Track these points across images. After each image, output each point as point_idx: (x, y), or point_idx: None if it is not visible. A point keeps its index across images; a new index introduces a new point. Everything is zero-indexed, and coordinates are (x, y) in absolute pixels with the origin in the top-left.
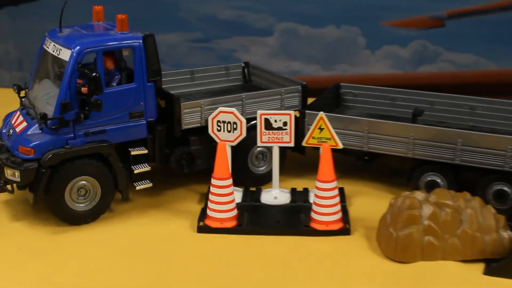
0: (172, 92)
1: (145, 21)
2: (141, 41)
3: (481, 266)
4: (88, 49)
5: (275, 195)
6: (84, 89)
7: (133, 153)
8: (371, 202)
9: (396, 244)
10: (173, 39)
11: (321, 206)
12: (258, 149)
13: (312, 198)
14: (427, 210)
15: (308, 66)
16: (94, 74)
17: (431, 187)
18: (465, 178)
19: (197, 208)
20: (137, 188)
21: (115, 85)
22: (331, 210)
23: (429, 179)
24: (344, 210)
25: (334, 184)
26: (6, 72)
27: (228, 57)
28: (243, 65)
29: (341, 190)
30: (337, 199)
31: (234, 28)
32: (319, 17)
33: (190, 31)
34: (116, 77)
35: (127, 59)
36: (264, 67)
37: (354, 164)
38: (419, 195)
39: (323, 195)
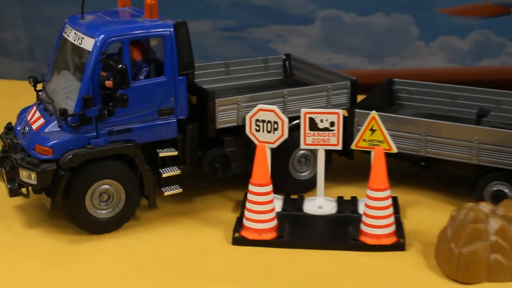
0: (205, 87)
1: (170, 6)
2: (172, 29)
3: None
4: (114, 38)
5: (320, 204)
6: (108, 83)
7: (161, 154)
8: (428, 214)
9: (458, 262)
10: (201, 27)
11: (372, 218)
12: (301, 152)
13: (361, 208)
14: (494, 224)
15: (353, 59)
16: (120, 66)
17: (498, 198)
18: None
19: (232, 217)
20: (165, 194)
21: (142, 78)
22: (384, 222)
23: (495, 189)
24: (398, 223)
25: (387, 193)
26: (16, 62)
27: (262, 48)
28: (284, 57)
29: (395, 200)
30: (390, 210)
31: (270, 16)
32: (366, 3)
33: (220, 18)
34: (144, 69)
35: (156, 50)
36: (308, 60)
37: (409, 171)
38: (485, 207)
39: (375, 205)
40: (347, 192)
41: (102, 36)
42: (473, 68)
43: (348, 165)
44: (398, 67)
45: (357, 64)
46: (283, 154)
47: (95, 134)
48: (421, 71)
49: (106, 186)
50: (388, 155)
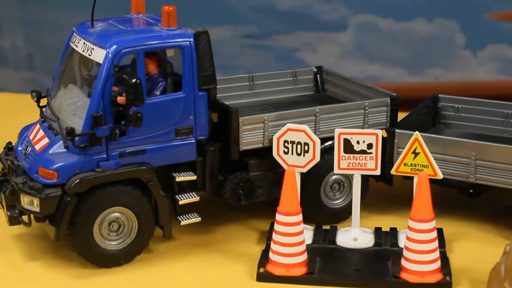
0: (226, 103)
1: (185, 11)
2: (192, 39)
3: None
4: (127, 49)
5: (355, 235)
6: (121, 99)
7: (178, 179)
8: (478, 248)
9: None
10: (220, 34)
11: (414, 252)
12: (335, 177)
13: (402, 241)
14: None
15: (390, 70)
16: (134, 80)
17: None
18: None
19: (257, 250)
20: (182, 223)
21: (158, 94)
22: (428, 257)
23: None
24: (444, 258)
25: (432, 224)
26: (13, 72)
27: (289, 57)
28: (315, 70)
29: (440, 232)
30: (435, 244)
31: (297, 21)
32: (405, 8)
33: (242, 25)
34: (160, 84)
35: (173, 62)
36: (341, 73)
37: (457, 199)
38: None
39: (418, 238)
40: (385, 222)
41: (115, 46)
42: None
43: (387, 192)
44: (442, 79)
45: (395, 76)
46: (314, 179)
47: (105, 156)
48: (467, 84)
49: (117, 214)
50: (433, 182)
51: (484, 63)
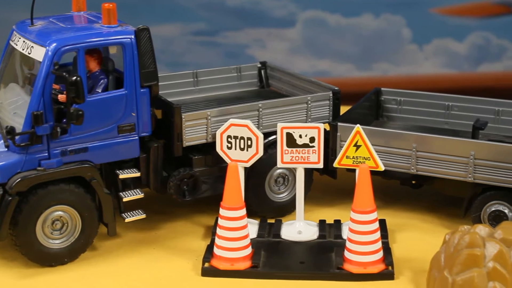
0: (170, 100)
1: (134, 9)
2: (133, 36)
3: None
4: (67, 47)
5: (299, 228)
6: (61, 97)
7: (121, 176)
8: (420, 239)
9: None
10: (169, 31)
11: (357, 243)
12: (278, 171)
13: (346, 233)
14: (491, 249)
15: (339, 65)
16: (74, 77)
17: (496, 219)
18: None
19: (203, 245)
20: (127, 220)
21: (100, 91)
22: (370, 248)
23: (494, 209)
24: (386, 248)
25: (373, 215)
26: None
27: (239, 54)
28: (259, 65)
29: (383, 223)
30: (377, 235)
31: (246, 18)
32: (352, 3)
33: (191, 22)
34: (102, 81)
35: (115, 59)
36: (285, 68)
37: (399, 190)
38: (482, 230)
39: (360, 229)
40: (330, 215)
41: (54, 44)
42: (471, 74)
43: (331, 185)
44: (389, 74)
45: (343, 71)
46: (258, 174)
47: (46, 154)
48: (414, 78)
49: (60, 212)
50: (375, 174)
51: (430, 57)
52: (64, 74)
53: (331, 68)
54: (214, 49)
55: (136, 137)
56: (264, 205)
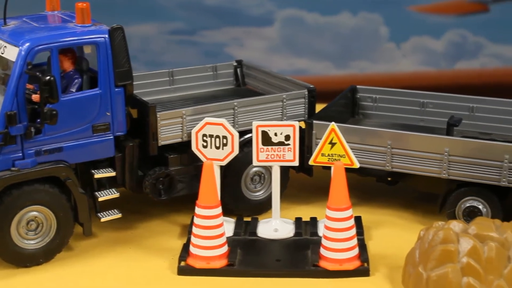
0: (146, 99)
1: (112, 8)
2: (107, 35)
3: None
4: (41, 46)
5: (276, 226)
6: (35, 97)
7: (97, 176)
8: (396, 235)
9: (427, 287)
10: (147, 30)
11: (332, 240)
12: (254, 169)
13: (321, 231)
14: (465, 244)
15: (317, 63)
16: (48, 77)
17: (470, 215)
18: None
19: (179, 244)
20: (103, 220)
21: (74, 91)
22: (345, 245)
23: (468, 205)
24: (362, 245)
25: (348, 212)
26: None
27: (217, 53)
28: (235, 64)
29: (358, 220)
30: (353, 232)
31: (224, 17)
32: (330, 2)
33: (169, 21)
34: (76, 81)
35: (89, 59)
36: (261, 67)
37: (375, 187)
38: (456, 225)
39: (335, 226)
40: (306, 213)
41: (27, 44)
42: (448, 71)
43: (307, 183)
44: (367, 71)
45: (321, 69)
46: (234, 172)
47: (20, 154)
48: (392, 76)
49: (34, 213)
50: (352, 171)
51: (407, 55)
52: (38, 74)
53: (309, 66)
54: (192, 48)
55: (111, 137)
56: (240, 204)
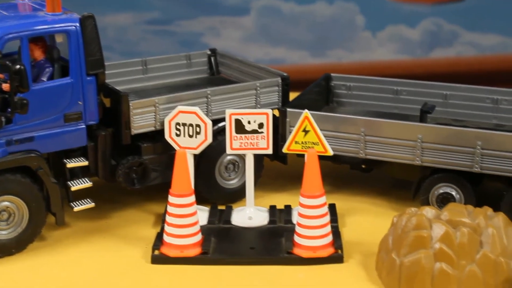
0: (119, 88)
1: None
2: (78, 24)
3: None
4: (10, 35)
5: (250, 215)
6: (5, 86)
7: (69, 165)
8: (369, 222)
9: (400, 274)
10: (123, 20)
11: (306, 228)
12: (228, 157)
13: (295, 218)
14: (438, 230)
15: (293, 52)
16: (18, 66)
17: (444, 201)
18: (486, 190)
19: (153, 233)
20: (75, 209)
21: (45, 80)
22: (319, 232)
23: (441, 191)
24: (336, 232)
25: (322, 200)
26: None
27: (193, 42)
28: (209, 52)
29: (332, 208)
30: (327, 219)
31: (200, 7)
32: None
33: (145, 11)
34: (47, 70)
35: (60, 48)
36: (235, 55)
37: (349, 175)
38: (429, 212)
39: (309, 213)
40: (280, 200)
41: None
42: (424, 59)
43: (282, 171)
44: (343, 60)
45: (298, 59)
46: (208, 160)
47: None
48: (368, 64)
49: (6, 203)
50: (326, 159)
51: (383, 44)
52: (7, 62)
53: (285, 55)
54: (168, 38)
55: (83, 126)
56: (215, 192)
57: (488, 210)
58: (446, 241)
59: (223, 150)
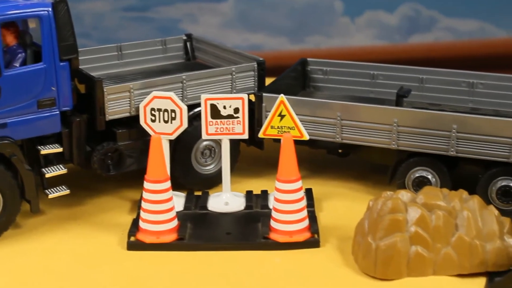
0: (93, 74)
1: None
2: (50, 9)
3: (482, 281)
4: None
5: (226, 200)
6: None
7: (43, 152)
8: (345, 206)
9: (376, 257)
10: (100, 7)
11: (282, 212)
12: (204, 143)
13: (272, 203)
14: (413, 213)
15: (272, 38)
16: None
17: (420, 185)
18: (461, 173)
19: (129, 219)
20: (50, 196)
21: (17, 65)
22: (295, 217)
23: (417, 175)
24: (312, 217)
25: (298, 184)
26: None
27: (171, 29)
28: (184, 38)
29: (309, 192)
30: (303, 203)
31: None
32: None
33: None
34: (19, 55)
35: (33, 33)
36: (211, 40)
37: (325, 159)
38: (404, 195)
39: (285, 198)
40: (257, 186)
41: None
42: (403, 45)
43: (258, 156)
44: (322, 46)
45: (277, 45)
46: (184, 146)
47: None
48: (347, 50)
49: None
50: (303, 143)
51: (362, 29)
52: None
53: (264, 41)
54: (146, 25)
55: (57, 112)
56: (191, 178)
57: (464, 193)
58: (422, 224)
59: (199, 135)
